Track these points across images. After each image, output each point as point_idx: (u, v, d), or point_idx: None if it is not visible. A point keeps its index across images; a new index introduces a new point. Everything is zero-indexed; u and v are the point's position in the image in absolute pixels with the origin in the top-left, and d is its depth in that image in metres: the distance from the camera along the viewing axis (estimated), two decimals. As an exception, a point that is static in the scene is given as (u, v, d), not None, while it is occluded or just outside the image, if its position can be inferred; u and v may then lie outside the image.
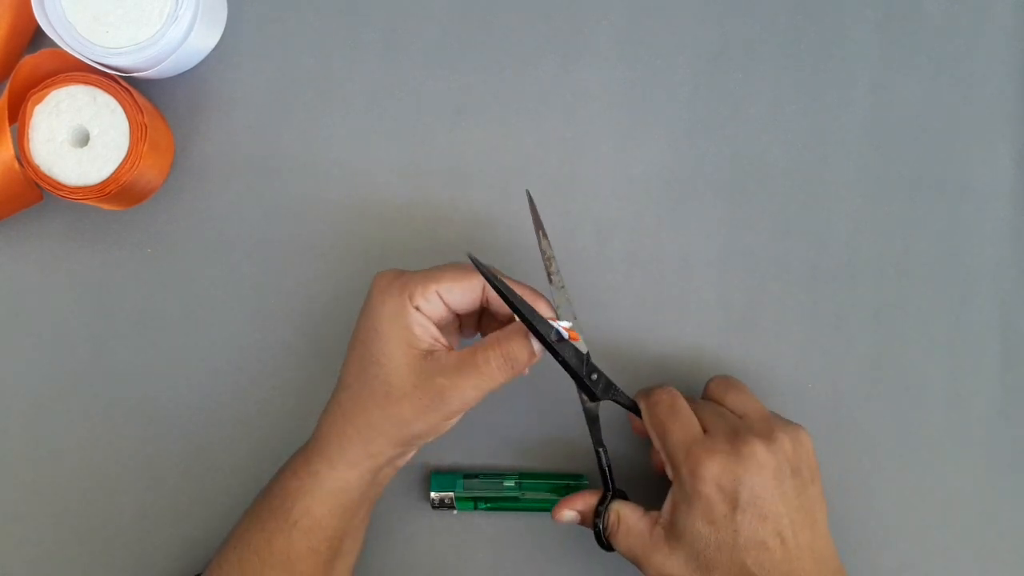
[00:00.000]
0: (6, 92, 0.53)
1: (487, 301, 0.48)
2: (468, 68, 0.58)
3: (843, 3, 0.59)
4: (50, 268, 0.57)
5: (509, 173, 0.58)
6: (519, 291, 0.46)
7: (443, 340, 0.47)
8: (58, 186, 0.52)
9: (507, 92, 0.58)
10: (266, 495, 0.50)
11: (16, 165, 0.52)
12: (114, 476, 0.56)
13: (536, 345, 0.47)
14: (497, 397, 0.48)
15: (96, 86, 0.53)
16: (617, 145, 0.58)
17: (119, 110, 0.53)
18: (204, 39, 0.56)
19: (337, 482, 0.48)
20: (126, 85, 0.53)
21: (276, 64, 0.58)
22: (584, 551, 0.56)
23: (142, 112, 0.53)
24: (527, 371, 0.48)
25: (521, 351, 0.46)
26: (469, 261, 0.45)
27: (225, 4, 0.58)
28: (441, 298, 0.47)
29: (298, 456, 0.50)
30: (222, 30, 0.58)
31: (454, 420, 0.48)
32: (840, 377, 0.57)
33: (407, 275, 0.47)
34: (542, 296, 0.48)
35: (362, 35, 0.58)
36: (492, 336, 0.47)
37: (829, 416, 0.57)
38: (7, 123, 0.53)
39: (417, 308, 0.46)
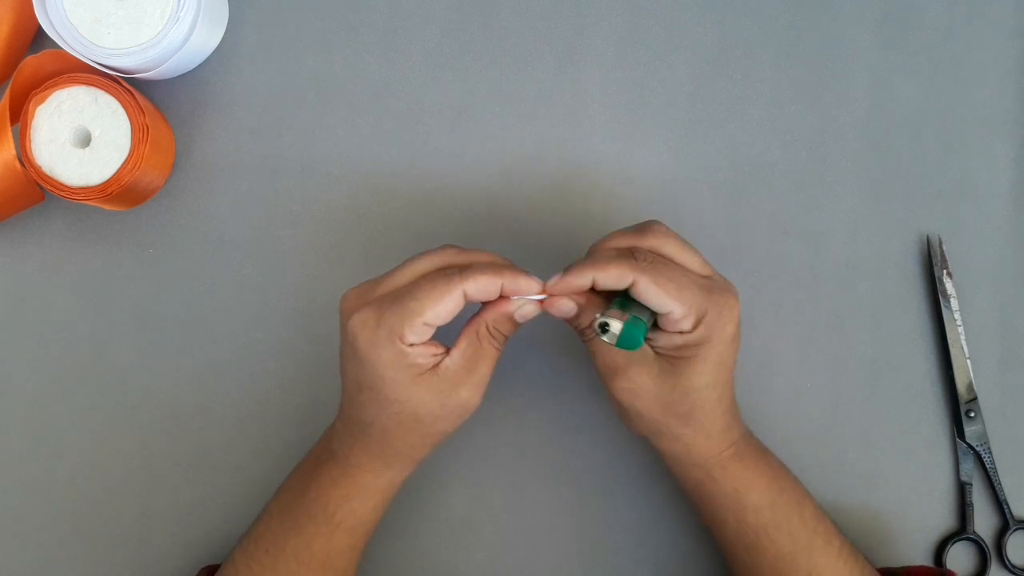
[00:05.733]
0: (8, 93, 0.53)
1: (469, 298, 0.47)
2: (468, 68, 0.58)
3: (842, 3, 0.59)
4: (51, 268, 0.57)
5: (509, 173, 0.58)
6: (499, 278, 0.46)
7: (441, 347, 0.47)
8: (60, 187, 0.53)
9: (507, 92, 0.58)
10: (300, 500, 0.49)
11: (18, 165, 0.53)
12: (115, 476, 0.56)
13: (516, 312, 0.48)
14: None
15: (98, 87, 0.53)
16: (617, 145, 0.58)
17: (121, 111, 0.53)
18: (205, 40, 0.56)
19: (385, 485, 0.50)
20: (128, 86, 0.53)
21: (277, 65, 0.58)
22: (585, 551, 0.56)
23: (144, 113, 0.53)
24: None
25: (507, 326, 0.48)
26: (428, 255, 0.47)
27: (226, 5, 0.58)
28: (427, 324, 0.46)
29: (332, 467, 0.49)
30: (223, 31, 0.58)
31: None
32: (840, 377, 0.57)
33: (385, 312, 0.45)
34: (521, 272, 0.47)
35: (362, 35, 0.58)
36: (479, 317, 0.47)
37: (829, 416, 0.57)
38: (9, 124, 0.53)
39: (411, 344, 0.45)
